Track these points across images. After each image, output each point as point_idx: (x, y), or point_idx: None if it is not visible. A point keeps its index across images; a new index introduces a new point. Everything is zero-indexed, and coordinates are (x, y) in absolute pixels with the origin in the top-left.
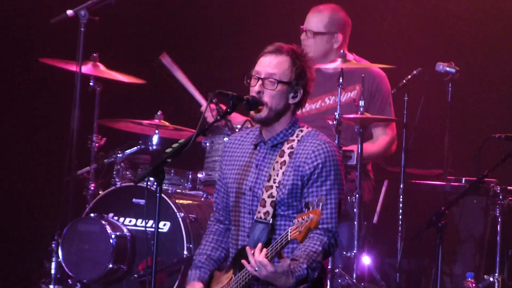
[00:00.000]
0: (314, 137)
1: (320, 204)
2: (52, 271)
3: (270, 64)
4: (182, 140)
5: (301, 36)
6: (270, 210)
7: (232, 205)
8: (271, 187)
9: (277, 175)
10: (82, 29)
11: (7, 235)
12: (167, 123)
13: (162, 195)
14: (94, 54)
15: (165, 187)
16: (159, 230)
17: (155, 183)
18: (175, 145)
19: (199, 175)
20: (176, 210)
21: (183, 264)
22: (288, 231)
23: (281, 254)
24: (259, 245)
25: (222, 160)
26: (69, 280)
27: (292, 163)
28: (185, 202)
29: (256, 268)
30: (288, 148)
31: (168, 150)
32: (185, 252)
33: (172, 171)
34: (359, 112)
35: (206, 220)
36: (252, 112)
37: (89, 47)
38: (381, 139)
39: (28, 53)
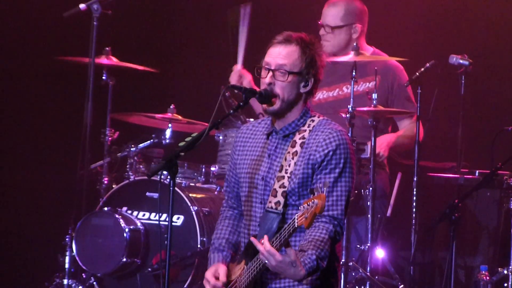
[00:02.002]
0: (325, 126)
1: (325, 188)
2: (66, 265)
3: (280, 55)
4: (195, 134)
5: (319, 32)
6: (281, 200)
7: (244, 195)
8: (283, 177)
9: (289, 166)
10: (94, 22)
11: (21, 230)
12: (180, 117)
13: (176, 188)
14: (107, 48)
15: (179, 181)
16: (173, 223)
17: (169, 177)
18: (188, 138)
19: (212, 169)
20: (189, 204)
21: (197, 258)
22: (295, 218)
23: (289, 243)
24: (265, 236)
25: (234, 150)
26: (83, 274)
27: (304, 153)
28: (198, 195)
29: (266, 260)
30: (299, 139)
31: (181, 143)
32: (199, 246)
33: (185, 164)
34: (372, 105)
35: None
36: (264, 105)
37: (102, 41)
38: (407, 127)
39: (41, 48)
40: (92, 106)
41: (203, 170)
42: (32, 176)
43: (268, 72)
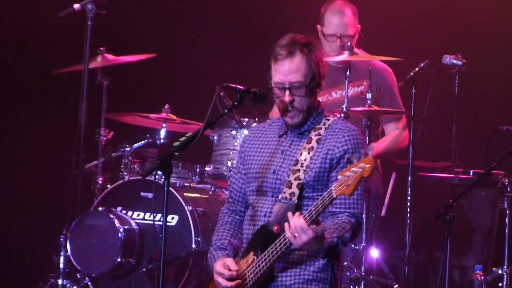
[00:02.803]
0: (342, 125)
1: (370, 152)
2: (61, 265)
3: (290, 71)
4: (189, 134)
5: (336, 43)
6: (296, 191)
7: (253, 189)
8: (298, 170)
9: (305, 160)
10: (89, 22)
11: (16, 230)
12: (174, 117)
13: (170, 188)
14: (101, 48)
15: (173, 181)
16: (167, 223)
17: (163, 177)
18: (182, 138)
19: (207, 169)
20: (184, 204)
21: (191, 258)
22: (332, 189)
23: (319, 221)
24: (297, 213)
25: (242, 149)
26: (77, 274)
27: (321, 148)
28: (193, 195)
29: (296, 234)
30: (315, 135)
31: (176, 143)
32: (193, 246)
33: (180, 164)
34: (367, 105)
35: (214, 214)
36: (287, 119)
37: (96, 41)
38: (393, 133)
39: (36, 47)
40: (86, 106)
41: (198, 170)
42: (26, 176)
43: (285, 91)
